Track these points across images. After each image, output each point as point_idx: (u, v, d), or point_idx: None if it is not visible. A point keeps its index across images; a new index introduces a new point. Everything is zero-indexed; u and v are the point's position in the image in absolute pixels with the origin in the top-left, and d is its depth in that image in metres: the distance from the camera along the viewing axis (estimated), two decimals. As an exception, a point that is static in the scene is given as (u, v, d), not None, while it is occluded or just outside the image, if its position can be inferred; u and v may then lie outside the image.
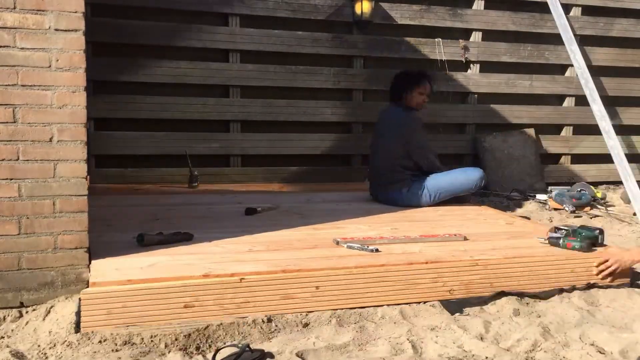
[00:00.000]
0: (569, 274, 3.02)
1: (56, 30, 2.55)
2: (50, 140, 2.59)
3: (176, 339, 2.30)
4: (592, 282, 3.03)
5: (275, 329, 2.45)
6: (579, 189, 5.62)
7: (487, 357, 2.26)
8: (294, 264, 2.75)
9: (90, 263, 2.65)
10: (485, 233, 3.56)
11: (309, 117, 5.64)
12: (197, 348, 2.28)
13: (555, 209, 5.15)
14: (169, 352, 2.24)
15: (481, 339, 2.43)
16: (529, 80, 6.26)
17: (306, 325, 2.50)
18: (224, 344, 2.31)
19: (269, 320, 2.49)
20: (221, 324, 2.42)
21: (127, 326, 2.38)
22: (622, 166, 5.11)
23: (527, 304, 2.80)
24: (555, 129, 6.45)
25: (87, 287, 2.44)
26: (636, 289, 3.02)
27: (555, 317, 2.67)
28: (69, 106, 2.60)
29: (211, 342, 2.33)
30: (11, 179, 2.56)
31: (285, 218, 3.82)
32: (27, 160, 2.57)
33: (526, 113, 6.28)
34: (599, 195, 5.56)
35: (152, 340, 2.29)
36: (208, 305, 2.50)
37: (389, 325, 2.52)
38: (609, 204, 5.51)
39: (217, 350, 2.23)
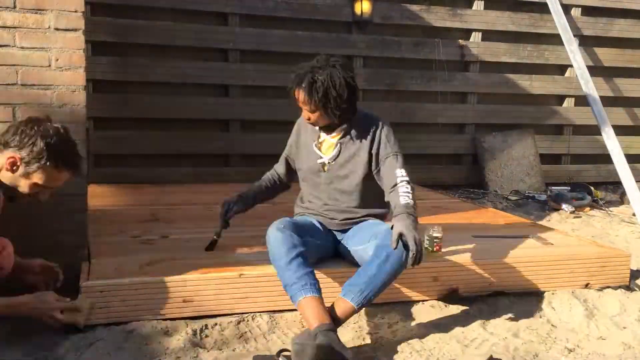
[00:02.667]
0: (567, 274, 3.01)
1: (56, 29, 2.55)
2: (50, 139, 2.59)
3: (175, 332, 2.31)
4: (590, 282, 3.03)
5: (276, 326, 2.45)
6: (578, 190, 5.63)
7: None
8: (293, 263, 2.75)
9: (89, 262, 2.65)
10: (484, 233, 3.55)
11: (308, 117, 5.63)
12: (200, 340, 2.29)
13: (555, 210, 5.16)
14: (168, 345, 2.24)
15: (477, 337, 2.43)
16: (529, 81, 6.26)
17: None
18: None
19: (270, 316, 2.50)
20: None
21: (127, 321, 2.38)
22: (621, 167, 5.11)
23: (525, 303, 2.81)
24: (555, 129, 6.45)
25: (87, 285, 2.44)
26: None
27: (553, 318, 2.68)
28: (69, 105, 2.60)
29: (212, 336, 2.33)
30: (10, 178, 2.56)
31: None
32: (27, 159, 2.57)
33: (526, 113, 6.28)
34: (598, 195, 5.56)
35: (151, 335, 2.29)
36: (207, 300, 2.50)
37: (388, 324, 2.52)
38: (609, 204, 5.51)
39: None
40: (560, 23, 5.85)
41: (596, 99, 5.51)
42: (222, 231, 2.88)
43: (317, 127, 2.70)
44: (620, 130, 6.35)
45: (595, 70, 6.30)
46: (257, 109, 5.48)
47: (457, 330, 2.49)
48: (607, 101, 6.07)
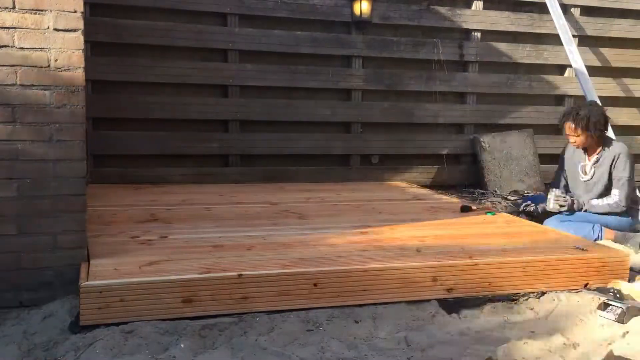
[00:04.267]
0: (566, 274, 3.01)
1: (55, 29, 2.56)
2: (49, 139, 2.59)
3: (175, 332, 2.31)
4: (590, 282, 3.03)
5: (276, 326, 2.46)
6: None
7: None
8: (293, 262, 2.75)
9: (89, 263, 2.65)
10: (484, 233, 3.56)
11: (307, 117, 5.64)
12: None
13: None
14: (168, 345, 2.24)
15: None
16: (528, 81, 6.26)
17: (307, 322, 2.51)
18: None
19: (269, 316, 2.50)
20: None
21: (126, 321, 2.38)
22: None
23: (522, 304, 2.81)
24: (554, 129, 6.44)
25: (86, 285, 2.44)
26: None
27: (553, 317, 2.68)
28: (68, 106, 2.60)
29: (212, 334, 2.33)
30: (10, 179, 2.57)
31: (284, 218, 3.82)
32: (26, 160, 2.58)
33: (525, 113, 6.28)
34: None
35: (150, 335, 2.29)
36: (207, 300, 2.51)
37: (388, 322, 2.53)
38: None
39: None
40: (559, 23, 5.85)
41: (595, 99, 5.49)
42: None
43: (582, 151, 4.21)
44: (620, 130, 6.36)
45: (595, 70, 6.30)
46: (257, 110, 5.48)
47: (457, 331, 2.49)
48: (607, 101, 6.06)
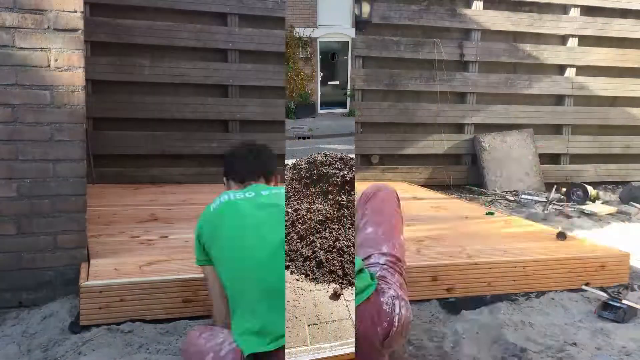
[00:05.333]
0: (565, 274, 3.02)
1: (55, 29, 2.55)
2: (49, 139, 2.59)
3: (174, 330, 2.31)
4: (590, 282, 3.03)
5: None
6: (576, 190, 5.64)
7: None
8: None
9: (89, 263, 2.65)
10: (484, 233, 3.56)
11: (308, 117, 5.64)
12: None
13: (554, 209, 5.16)
14: (168, 345, 2.24)
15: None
16: (528, 81, 6.26)
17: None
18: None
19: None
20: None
21: (126, 321, 2.38)
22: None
23: (521, 304, 2.81)
24: (554, 129, 6.46)
25: (86, 285, 2.44)
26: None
27: (551, 317, 2.68)
28: (68, 106, 2.60)
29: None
30: (10, 179, 2.56)
31: (284, 218, 3.82)
32: (26, 159, 2.58)
33: (525, 113, 6.29)
34: (595, 195, 5.57)
35: (151, 335, 2.29)
36: (207, 300, 2.50)
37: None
38: (606, 204, 5.51)
39: None
40: None
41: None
42: None
43: None
44: (620, 130, 6.37)
45: (595, 70, 6.31)
46: (256, 109, 5.48)
47: (454, 330, 2.49)
48: (607, 101, 6.08)
